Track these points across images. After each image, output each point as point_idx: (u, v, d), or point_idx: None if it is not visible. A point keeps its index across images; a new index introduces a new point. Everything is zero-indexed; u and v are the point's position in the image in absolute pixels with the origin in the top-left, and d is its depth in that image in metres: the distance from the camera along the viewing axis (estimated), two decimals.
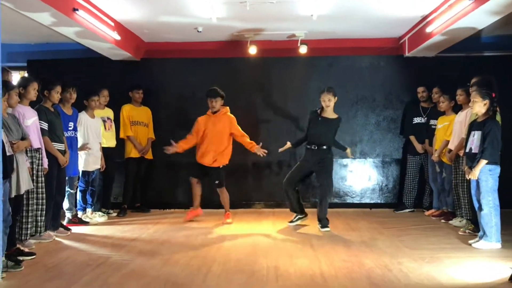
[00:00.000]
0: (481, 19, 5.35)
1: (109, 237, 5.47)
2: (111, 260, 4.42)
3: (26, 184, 4.43)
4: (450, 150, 5.99)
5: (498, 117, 4.98)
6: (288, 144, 6.11)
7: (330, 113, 5.88)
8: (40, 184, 5.04)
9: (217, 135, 6.25)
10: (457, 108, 6.24)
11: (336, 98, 5.87)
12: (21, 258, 4.24)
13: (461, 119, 5.81)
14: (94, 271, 4.06)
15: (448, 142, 6.14)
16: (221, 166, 6.33)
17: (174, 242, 5.14)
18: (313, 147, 5.86)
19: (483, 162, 4.75)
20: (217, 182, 6.32)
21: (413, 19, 6.51)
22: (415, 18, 6.46)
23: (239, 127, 6.36)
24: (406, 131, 7.22)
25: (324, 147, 5.83)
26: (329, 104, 5.79)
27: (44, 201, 5.10)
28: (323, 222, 5.78)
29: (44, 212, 5.13)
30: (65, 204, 5.99)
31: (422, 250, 4.70)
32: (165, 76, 7.61)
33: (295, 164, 7.46)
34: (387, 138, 7.53)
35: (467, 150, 5.03)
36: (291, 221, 6.11)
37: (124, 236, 5.48)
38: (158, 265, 4.23)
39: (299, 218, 6.12)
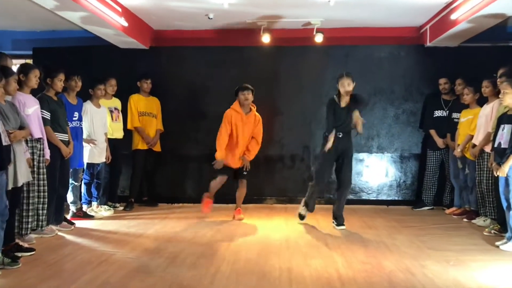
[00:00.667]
0: (510, 4, 4.97)
1: (114, 232, 5.23)
2: (115, 257, 4.18)
3: (24, 176, 4.18)
4: (474, 145, 5.65)
5: None
6: (334, 133, 5.40)
7: (347, 99, 5.44)
8: (41, 176, 4.81)
9: (247, 137, 5.93)
10: (481, 101, 5.88)
11: (355, 83, 5.45)
12: (19, 254, 4.02)
13: (487, 113, 5.46)
14: (95, 270, 3.81)
15: (471, 136, 5.80)
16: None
17: (181, 239, 4.88)
18: (338, 135, 5.38)
19: None
20: (245, 172, 5.97)
21: (436, 6, 6.14)
22: (438, 5, 6.09)
23: (261, 133, 6.01)
24: (426, 124, 6.86)
25: (348, 134, 5.47)
26: (349, 89, 5.35)
27: (46, 194, 4.87)
28: (340, 219, 5.47)
29: (46, 206, 4.90)
30: (69, 197, 5.77)
31: (446, 252, 4.39)
32: (175, 65, 7.32)
33: (309, 157, 7.27)
34: (406, 132, 7.18)
35: (495, 145, 4.70)
36: (300, 216, 5.77)
37: (130, 232, 5.24)
38: (163, 264, 3.97)
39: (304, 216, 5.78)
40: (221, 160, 5.81)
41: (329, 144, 5.34)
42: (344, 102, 5.43)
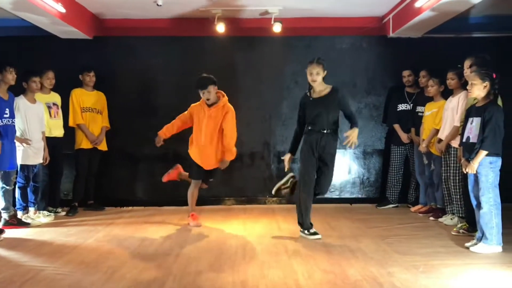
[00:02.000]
0: None
1: (49, 242, 4.64)
2: (43, 274, 3.63)
3: None
4: (440, 140, 5.38)
5: (499, 102, 4.35)
6: (288, 156, 4.91)
7: (321, 89, 4.74)
8: None
9: (212, 132, 5.20)
10: (446, 94, 5.62)
11: (325, 72, 4.69)
12: None
13: (453, 105, 5.19)
14: None
15: (437, 131, 5.53)
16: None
17: (124, 249, 4.35)
18: (317, 131, 4.68)
19: (483, 153, 4.12)
20: (211, 180, 5.56)
21: None
22: None
23: (233, 125, 5.27)
24: (389, 119, 6.56)
25: (325, 131, 4.67)
26: (316, 78, 4.63)
27: None
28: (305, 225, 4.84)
29: None
30: (0, 203, 5.15)
31: (414, 256, 4.06)
32: (122, 57, 6.75)
33: (269, 155, 6.86)
34: (369, 127, 6.86)
35: (464, 140, 4.40)
36: (314, 233, 4.77)
37: (67, 242, 4.67)
38: (99, 281, 3.45)
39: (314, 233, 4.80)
40: (160, 136, 5.40)
41: (285, 165, 4.85)
42: (316, 92, 4.75)
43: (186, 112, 5.42)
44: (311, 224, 4.83)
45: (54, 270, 3.73)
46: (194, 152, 5.33)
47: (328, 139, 4.69)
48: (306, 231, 4.78)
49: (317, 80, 4.68)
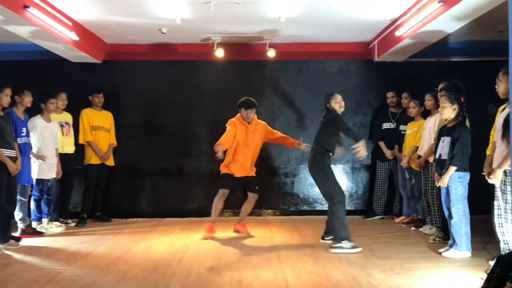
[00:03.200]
0: (449, 23, 5.27)
1: (64, 249, 5.13)
2: (62, 275, 4.10)
3: None
4: (419, 156, 5.89)
5: (467, 123, 4.88)
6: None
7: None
8: None
9: (255, 145, 5.93)
10: (426, 114, 6.15)
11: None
12: None
13: (430, 125, 5.71)
14: None
15: (417, 148, 6.04)
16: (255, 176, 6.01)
17: (132, 255, 4.84)
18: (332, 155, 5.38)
19: (453, 169, 4.63)
20: (257, 187, 5.99)
21: (382, 23, 6.41)
22: (384, 22, 6.36)
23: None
24: (375, 136, 7.09)
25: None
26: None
27: None
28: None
29: None
30: (18, 214, 5.63)
31: (392, 260, 4.54)
32: (128, 79, 7.31)
33: (265, 170, 7.34)
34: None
35: (436, 157, 4.92)
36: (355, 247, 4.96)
37: (80, 249, 5.15)
38: (112, 282, 3.93)
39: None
40: (220, 145, 5.63)
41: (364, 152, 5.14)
42: None
43: (229, 130, 5.81)
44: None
45: (71, 272, 4.21)
46: (232, 166, 5.83)
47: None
48: (346, 243, 4.94)
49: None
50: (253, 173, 5.96)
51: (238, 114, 5.94)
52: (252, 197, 5.98)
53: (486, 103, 6.36)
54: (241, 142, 5.83)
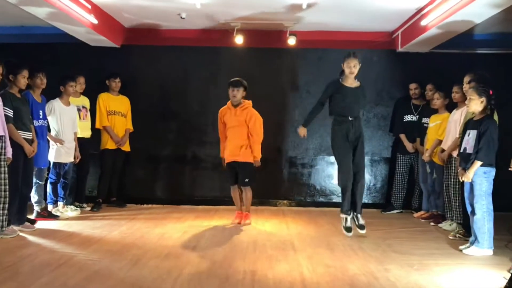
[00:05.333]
0: (480, 11, 5.06)
1: (78, 233, 5.11)
2: (75, 259, 4.07)
3: None
4: (442, 150, 5.72)
5: (495, 116, 4.69)
6: (302, 128, 5.25)
7: (353, 81, 5.18)
8: (2, 175, 4.66)
9: (238, 129, 5.67)
10: (450, 107, 5.97)
11: (360, 65, 5.16)
12: None
13: (456, 118, 5.53)
14: (53, 272, 3.70)
15: (440, 141, 5.87)
16: (253, 162, 5.71)
17: (146, 241, 4.80)
18: (350, 119, 5.08)
19: (478, 163, 4.46)
20: (246, 180, 5.69)
21: (407, 12, 6.21)
22: (410, 11, 6.16)
23: (258, 127, 5.73)
24: (396, 129, 6.92)
25: (354, 117, 5.10)
26: (354, 70, 5.08)
27: (7, 193, 4.71)
28: (358, 209, 5.13)
29: (7, 205, 4.74)
30: (34, 197, 5.64)
31: (410, 256, 4.41)
32: (146, 64, 7.24)
33: (282, 160, 7.23)
34: (376, 136, 7.24)
35: (461, 151, 4.75)
36: (347, 229, 5.13)
37: (94, 233, 5.13)
38: (125, 267, 3.88)
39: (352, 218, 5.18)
40: (223, 157, 5.82)
41: (300, 132, 5.20)
42: (349, 83, 5.16)
43: (218, 122, 5.87)
44: (348, 212, 5.14)
45: (84, 256, 4.18)
46: (222, 153, 5.85)
47: (358, 124, 5.17)
48: (341, 214, 5.17)
49: (355, 72, 5.14)
50: (244, 158, 5.66)
51: (230, 101, 5.82)
52: (244, 191, 5.78)
53: None
54: (226, 125, 5.75)
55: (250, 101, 5.81)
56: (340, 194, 5.29)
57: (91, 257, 4.18)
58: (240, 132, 5.69)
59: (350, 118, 5.10)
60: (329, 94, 5.20)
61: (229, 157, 5.71)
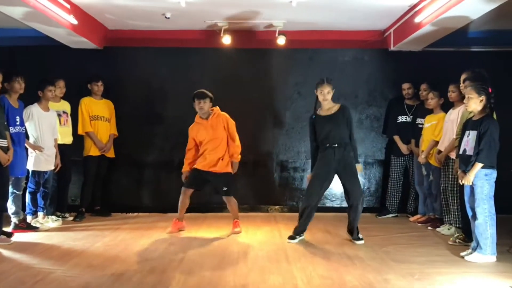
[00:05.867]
0: (476, 6, 4.86)
1: (58, 246, 4.81)
2: (53, 276, 3.78)
3: None
4: (439, 152, 5.52)
5: (494, 116, 4.49)
6: (310, 175, 5.15)
7: (330, 107, 5.06)
8: None
9: (219, 139, 5.44)
10: (445, 106, 5.77)
11: (333, 90, 5.06)
12: None
13: (453, 118, 5.33)
14: None
15: (436, 142, 5.67)
16: (230, 172, 5.51)
17: (130, 254, 4.51)
18: (333, 145, 4.96)
19: (479, 165, 4.25)
20: (225, 189, 5.46)
21: (400, 9, 6.01)
22: (402, 8, 5.96)
23: (235, 129, 5.54)
24: (389, 130, 6.70)
25: (338, 145, 4.95)
26: (327, 97, 4.99)
27: None
28: (355, 233, 5.05)
29: None
30: (11, 208, 5.32)
31: (410, 264, 4.19)
32: (130, 67, 6.95)
33: (273, 164, 6.98)
34: (369, 138, 7.02)
35: (460, 152, 4.54)
36: (293, 238, 5.08)
37: (75, 245, 4.83)
38: (107, 283, 3.61)
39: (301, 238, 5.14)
40: (184, 172, 5.59)
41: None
42: (324, 110, 5.06)
43: (189, 139, 5.59)
44: (301, 234, 5.12)
45: (63, 272, 3.89)
46: (185, 168, 5.60)
47: (342, 152, 4.97)
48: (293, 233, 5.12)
49: (328, 99, 5.02)
50: (220, 169, 5.43)
51: (197, 114, 5.56)
52: (227, 201, 5.57)
53: None
54: (202, 141, 5.46)
55: (217, 106, 5.58)
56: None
57: (70, 272, 3.89)
58: (219, 144, 5.45)
59: (333, 145, 4.97)
60: (311, 129, 5.15)
61: (205, 167, 5.45)
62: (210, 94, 5.50)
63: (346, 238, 5.18)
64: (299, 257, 4.40)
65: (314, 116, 5.14)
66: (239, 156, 5.57)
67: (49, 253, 4.52)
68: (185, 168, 5.60)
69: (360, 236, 5.04)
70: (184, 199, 5.53)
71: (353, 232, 5.07)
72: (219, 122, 5.47)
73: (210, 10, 6.06)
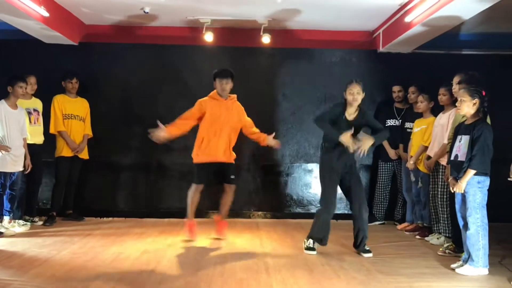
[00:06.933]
0: (468, 6, 4.65)
1: (21, 254, 4.46)
2: None
3: None
4: (428, 157, 5.28)
5: (488, 120, 4.26)
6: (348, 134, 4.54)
7: (353, 110, 4.69)
8: None
9: (231, 124, 5.11)
10: (435, 110, 5.55)
11: (364, 93, 4.68)
12: None
13: (443, 122, 5.10)
14: None
15: (425, 147, 5.44)
16: (233, 162, 5.24)
17: (99, 263, 4.18)
18: (341, 147, 4.57)
19: (471, 172, 4.01)
20: (232, 177, 5.18)
21: (389, 9, 5.79)
22: (392, 7, 5.74)
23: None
24: None
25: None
26: (358, 98, 4.60)
27: None
28: (362, 246, 4.70)
29: None
30: None
31: (398, 277, 3.92)
32: (107, 64, 6.63)
33: (256, 168, 6.69)
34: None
35: (452, 158, 4.29)
36: (310, 248, 4.70)
37: (40, 253, 4.48)
38: None
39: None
40: (161, 128, 4.89)
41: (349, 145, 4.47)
42: (349, 113, 4.69)
43: (192, 109, 5.15)
44: (319, 240, 4.73)
45: (21, 284, 3.55)
46: (203, 152, 5.11)
47: (348, 154, 4.63)
48: (307, 238, 4.77)
49: (358, 100, 4.64)
50: (228, 160, 5.16)
51: (212, 91, 5.20)
52: (228, 189, 5.23)
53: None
54: (213, 120, 5.05)
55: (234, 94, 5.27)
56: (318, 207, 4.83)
57: (30, 284, 3.56)
58: (228, 132, 5.12)
59: (341, 147, 4.58)
60: (331, 116, 4.70)
61: (209, 158, 5.06)
62: (233, 74, 5.17)
63: (331, 248, 4.89)
64: (279, 269, 4.11)
65: (338, 114, 4.68)
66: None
67: (10, 262, 4.17)
68: (166, 131, 4.93)
69: (367, 248, 4.68)
70: (194, 197, 5.17)
71: (359, 244, 4.71)
72: (234, 108, 5.18)
73: (192, 5, 5.77)
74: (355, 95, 4.62)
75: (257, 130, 5.31)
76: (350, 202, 4.80)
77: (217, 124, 5.08)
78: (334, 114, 4.71)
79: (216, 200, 5.52)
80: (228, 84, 5.12)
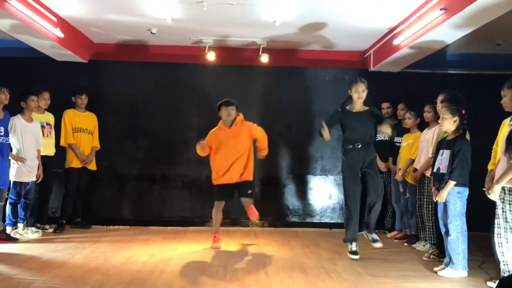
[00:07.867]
0: (450, 32, 5.08)
1: (38, 257, 4.81)
2: (33, 286, 3.80)
3: None
4: (415, 170, 5.68)
5: (467, 136, 4.68)
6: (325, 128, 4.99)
7: (361, 107, 5.15)
8: None
9: (238, 149, 5.46)
10: (422, 126, 5.96)
11: (367, 90, 5.15)
12: None
13: (428, 137, 5.51)
14: None
15: (412, 161, 5.83)
16: (252, 180, 5.58)
17: (110, 266, 4.54)
18: (356, 146, 5.00)
19: (452, 183, 4.42)
20: (249, 192, 5.51)
21: (379, 31, 6.23)
22: (382, 30, 6.18)
23: (262, 131, 5.62)
24: None
25: (363, 144, 4.98)
26: (362, 95, 5.09)
27: None
28: (371, 229, 5.10)
29: None
30: None
31: (386, 278, 4.31)
32: (115, 81, 7.03)
33: (254, 179, 7.04)
34: None
35: (434, 170, 4.70)
36: (354, 252, 5.03)
37: (55, 257, 4.84)
38: None
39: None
40: (202, 144, 5.45)
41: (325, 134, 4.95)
42: (355, 109, 5.13)
43: (206, 140, 5.57)
44: (353, 241, 5.06)
45: (43, 283, 3.90)
46: (219, 178, 5.51)
47: (366, 151, 5.03)
48: (347, 243, 5.10)
49: (363, 97, 5.14)
50: (246, 178, 5.50)
51: (221, 121, 5.62)
52: (245, 203, 5.58)
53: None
54: (221, 149, 5.48)
55: (241, 113, 5.64)
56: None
57: (51, 283, 3.91)
58: (242, 154, 5.47)
59: (357, 145, 5.00)
60: (334, 118, 5.20)
61: (225, 181, 5.49)
62: (235, 102, 5.58)
63: (326, 253, 5.26)
64: (277, 271, 4.48)
65: (340, 109, 5.18)
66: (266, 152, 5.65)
67: (29, 264, 4.52)
68: (205, 150, 5.49)
69: (376, 236, 5.08)
70: (217, 213, 5.60)
71: (370, 227, 5.08)
72: (242, 131, 5.52)
73: (195, 27, 6.19)
74: (361, 93, 5.10)
75: (264, 144, 5.61)
76: (367, 195, 5.07)
77: (225, 152, 5.48)
78: (336, 114, 5.22)
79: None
80: (232, 111, 5.49)
